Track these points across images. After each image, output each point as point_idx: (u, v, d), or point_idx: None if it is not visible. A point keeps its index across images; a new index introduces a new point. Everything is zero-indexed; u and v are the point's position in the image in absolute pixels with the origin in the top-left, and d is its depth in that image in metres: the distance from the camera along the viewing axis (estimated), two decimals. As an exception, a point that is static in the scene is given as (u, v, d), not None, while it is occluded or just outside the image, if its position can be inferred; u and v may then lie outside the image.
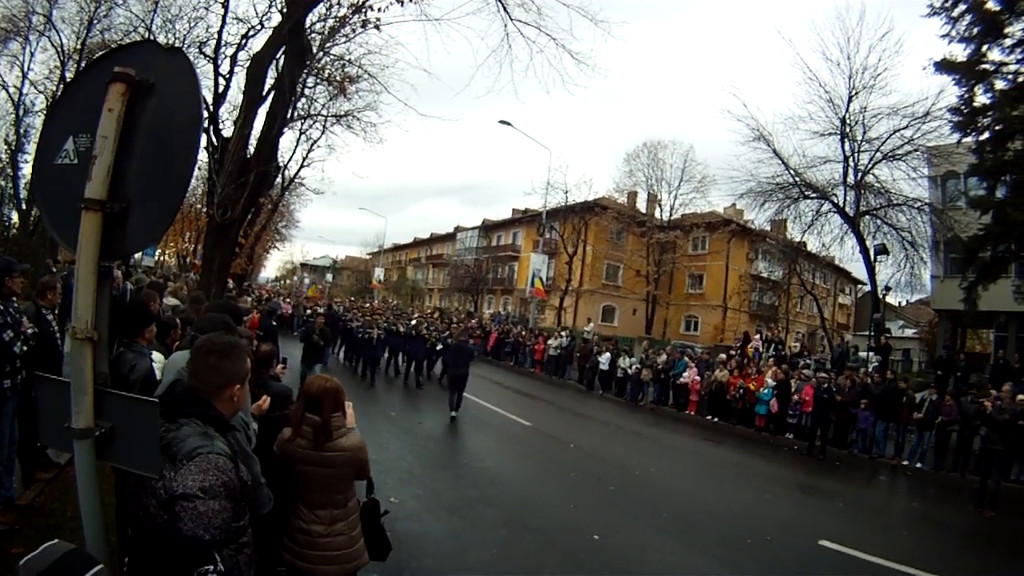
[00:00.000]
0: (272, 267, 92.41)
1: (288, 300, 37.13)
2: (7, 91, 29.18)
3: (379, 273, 64.09)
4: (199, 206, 33.13)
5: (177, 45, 19.22)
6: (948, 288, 25.52)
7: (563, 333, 30.07)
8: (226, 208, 13.53)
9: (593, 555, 7.58)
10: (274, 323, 18.72)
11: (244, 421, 3.20)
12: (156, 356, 5.08)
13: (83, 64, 24.50)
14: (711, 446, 16.83)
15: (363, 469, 4.14)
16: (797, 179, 28.09)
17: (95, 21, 25.57)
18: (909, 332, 48.02)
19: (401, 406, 16.74)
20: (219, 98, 19.63)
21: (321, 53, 16.07)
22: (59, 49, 26.86)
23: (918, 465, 16.00)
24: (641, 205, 47.65)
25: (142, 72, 2.60)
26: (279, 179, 28.70)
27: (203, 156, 15.91)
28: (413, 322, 24.10)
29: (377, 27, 14.92)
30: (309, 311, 27.96)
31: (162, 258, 46.90)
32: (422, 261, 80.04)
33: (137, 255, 27.77)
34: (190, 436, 2.51)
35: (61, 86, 26.13)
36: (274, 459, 3.83)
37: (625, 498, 10.34)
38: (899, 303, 43.75)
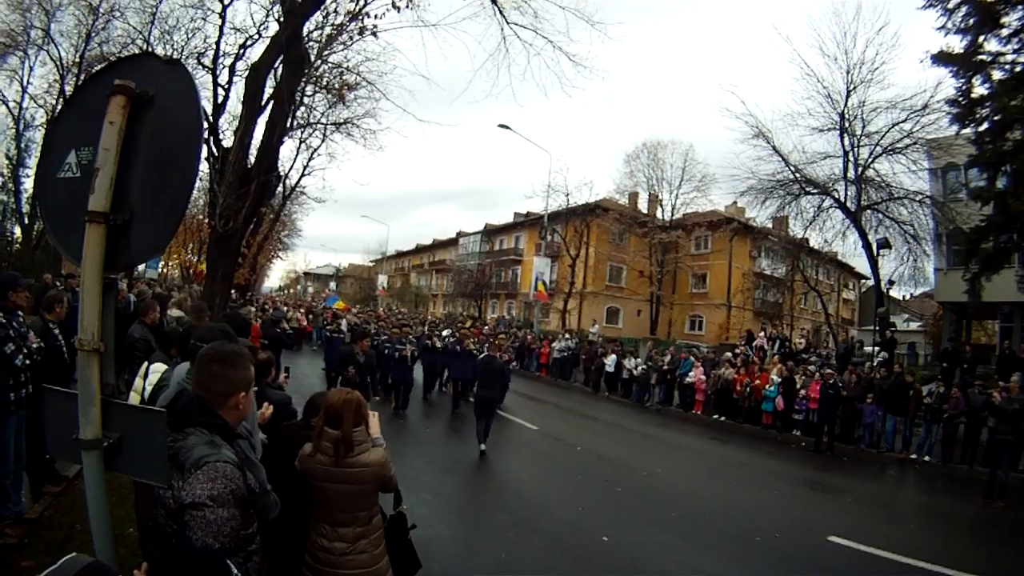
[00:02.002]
0: (275, 277, 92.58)
1: (303, 311, 34.20)
2: (7, 106, 29.40)
3: (383, 280, 63.98)
4: (201, 217, 33.21)
5: (175, 56, 19.31)
6: (951, 280, 25.48)
7: (567, 336, 30.06)
8: (228, 218, 13.54)
9: (602, 557, 7.58)
10: (277, 330, 18.51)
11: (247, 429, 3.20)
12: (158, 366, 5.09)
13: (82, 77, 24.67)
14: (718, 445, 16.82)
15: (388, 484, 4.07)
16: (797, 175, 28.04)
17: (93, 34, 25.73)
18: (914, 325, 48.02)
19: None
20: (218, 108, 19.72)
21: (319, 61, 16.10)
22: (58, 63, 27.03)
23: (926, 458, 15.98)
24: (642, 206, 47.60)
25: (142, 84, 2.62)
26: (280, 188, 28.77)
27: (204, 167, 15.95)
28: (446, 332, 22.80)
29: (374, 34, 14.98)
30: (330, 325, 24.04)
31: (165, 270, 46.93)
32: (425, 267, 79.86)
33: (140, 268, 27.77)
34: (197, 445, 2.52)
35: (61, 100, 26.27)
36: (281, 472, 3.74)
37: (633, 499, 10.35)
38: (903, 297, 43.86)
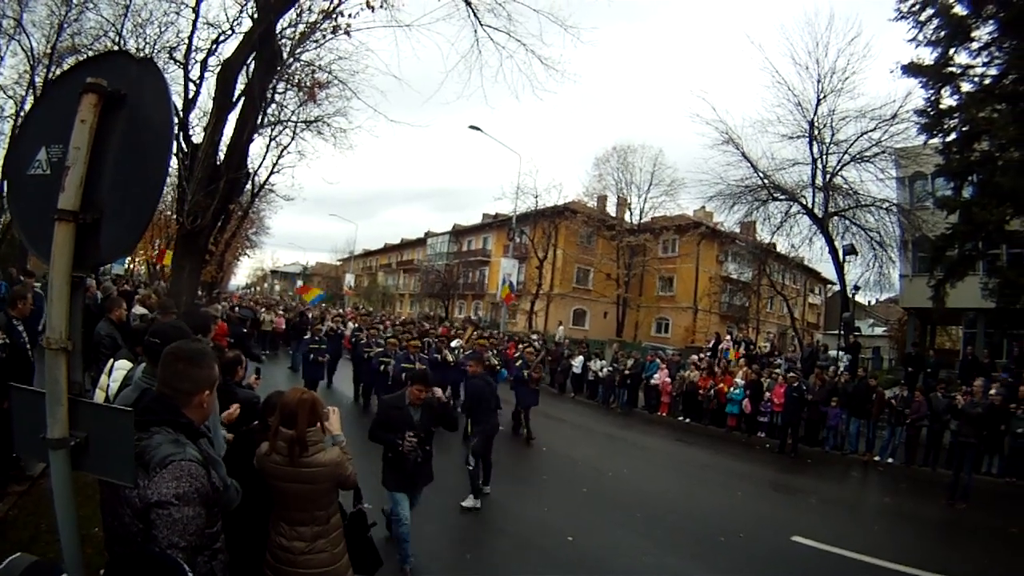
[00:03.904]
0: (242, 274, 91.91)
1: (281, 312, 29.95)
2: (-25, 96, 28.83)
3: (350, 279, 63.53)
4: (168, 213, 32.85)
5: (147, 50, 19.17)
6: (916, 286, 25.88)
7: (534, 337, 30.06)
8: (196, 216, 13.49)
9: (568, 556, 7.62)
10: (244, 331, 18.04)
11: (207, 426, 3.20)
12: (123, 364, 5.06)
13: (53, 68, 24.46)
14: (683, 446, 16.95)
15: (345, 482, 4.09)
16: (766, 181, 28.28)
17: (65, 25, 25.31)
18: (879, 330, 48.52)
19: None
20: (189, 104, 19.51)
21: (291, 59, 16.04)
22: (29, 53, 26.62)
23: (889, 460, 16.25)
24: (611, 209, 47.70)
25: (114, 83, 2.61)
26: (249, 186, 28.55)
27: (173, 163, 15.78)
28: (456, 343, 19.84)
29: (347, 33, 14.99)
30: (311, 335, 18.33)
31: (131, 266, 46.41)
32: (393, 267, 79.57)
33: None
34: (162, 444, 2.54)
35: (31, 91, 25.99)
36: (242, 471, 3.71)
37: (598, 499, 10.40)
38: (868, 302, 44.19)
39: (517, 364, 15.52)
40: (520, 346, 17.79)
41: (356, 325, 21.66)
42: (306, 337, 18.58)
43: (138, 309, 10.69)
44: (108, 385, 4.93)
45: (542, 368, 17.20)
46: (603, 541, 8.36)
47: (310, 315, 26.28)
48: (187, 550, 2.41)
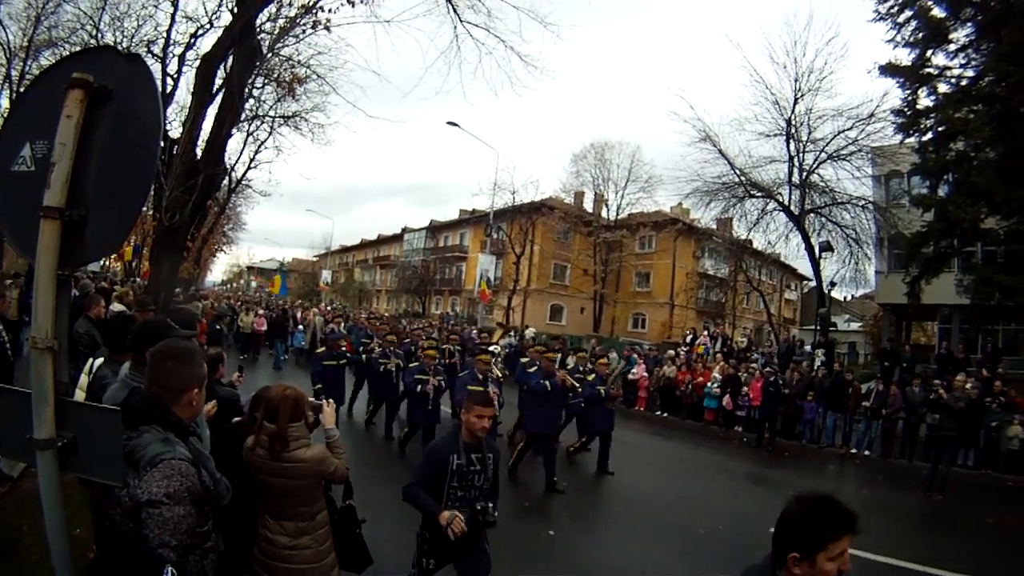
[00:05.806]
0: (219, 271, 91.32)
1: (261, 312, 26.73)
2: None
3: (326, 275, 63.10)
4: (145, 209, 32.57)
5: (125, 44, 19.04)
6: (892, 283, 26.22)
7: (511, 333, 30.07)
8: (174, 212, 13.36)
9: (549, 551, 7.62)
10: (218, 328, 17.78)
11: (195, 423, 3.19)
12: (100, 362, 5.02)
13: (29, 62, 24.22)
14: (661, 440, 17.04)
15: (332, 477, 4.08)
16: (743, 178, 28.48)
17: (42, 18, 25.02)
18: (854, 325, 48.95)
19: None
20: (166, 99, 19.38)
21: (270, 54, 15.94)
22: (5, 46, 26.32)
23: (866, 453, 16.54)
24: (588, 205, 47.88)
25: (100, 78, 2.58)
26: (226, 181, 28.36)
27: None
28: (496, 349, 17.32)
29: (327, 28, 14.93)
30: (328, 349, 13.58)
31: (107, 263, 45.98)
32: (369, 263, 79.24)
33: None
34: (152, 443, 2.52)
35: (7, 84, 25.72)
36: (230, 464, 3.68)
37: (578, 494, 10.39)
38: (844, 298, 44.61)
39: (590, 379, 12.24)
40: (592, 359, 13.70)
41: (353, 325, 21.01)
42: (320, 350, 13.74)
43: (116, 306, 10.56)
44: (88, 384, 4.89)
45: (619, 383, 14.56)
46: (584, 536, 8.40)
47: (299, 312, 25.81)
48: (178, 549, 2.40)
